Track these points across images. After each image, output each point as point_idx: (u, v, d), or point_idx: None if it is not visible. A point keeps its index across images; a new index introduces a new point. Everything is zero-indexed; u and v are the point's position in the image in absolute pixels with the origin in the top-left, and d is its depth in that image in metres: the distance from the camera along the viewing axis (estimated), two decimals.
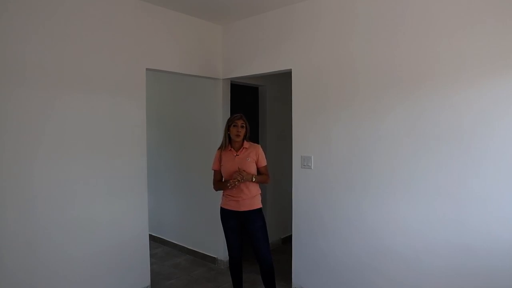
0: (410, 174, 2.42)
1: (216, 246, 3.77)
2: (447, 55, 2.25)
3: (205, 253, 3.89)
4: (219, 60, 3.63)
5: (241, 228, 2.72)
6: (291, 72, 3.06)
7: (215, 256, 3.79)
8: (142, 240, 3.04)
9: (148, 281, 3.09)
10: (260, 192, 2.74)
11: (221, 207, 2.77)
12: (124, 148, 2.87)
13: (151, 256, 3.26)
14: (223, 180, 2.74)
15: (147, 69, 3.01)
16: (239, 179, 2.54)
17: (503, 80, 2.06)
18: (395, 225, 2.50)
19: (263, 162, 2.74)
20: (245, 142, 2.72)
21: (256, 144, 2.78)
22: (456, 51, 2.22)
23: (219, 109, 3.65)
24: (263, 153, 2.75)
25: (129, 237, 2.92)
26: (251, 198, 2.65)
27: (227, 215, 2.73)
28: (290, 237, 3.20)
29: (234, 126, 2.67)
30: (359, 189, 2.67)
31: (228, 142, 2.72)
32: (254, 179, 2.61)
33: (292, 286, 3.09)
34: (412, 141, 2.40)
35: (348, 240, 2.74)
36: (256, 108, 4.37)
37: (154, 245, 4.25)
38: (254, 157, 2.68)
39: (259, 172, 2.74)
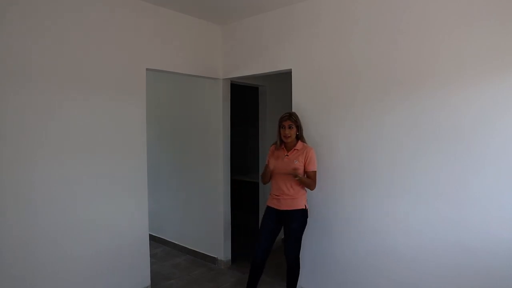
0: (410, 174, 2.42)
1: (216, 246, 3.77)
2: (447, 55, 2.25)
3: (205, 253, 3.89)
4: (219, 60, 3.63)
5: (280, 228, 2.71)
6: (291, 72, 3.07)
7: (215, 256, 3.78)
8: (142, 240, 3.04)
9: (148, 281, 3.09)
10: (305, 193, 2.70)
11: (266, 205, 2.79)
12: (124, 148, 2.86)
13: (151, 256, 3.26)
14: (270, 174, 2.72)
15: (147, 69, 3.01)
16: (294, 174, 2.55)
17: (503, 79, 2.06)
18: (396, 225, 2.50)
19: (312, 167, 2.65)
20: (299, 142, 2.69)
21: (309, 147, 2.70)
22: (456, 51, 2.22)
23: (219, 109, 3.65)
24: (314, 157, 2.66)
25: (129, 237, 2.92)
26: (292, 198, 2.64)
27: (267, 213, 2.75)
28: None
29: (282, 128, 2.66)
30: (359, 189, 2.67)
31: (281, 141, 2.71)
32: (297, 177, 2.54)
33: None
34: (413, 141, 2.40)
35: (349, 240, 2.74)
36: (256, 108, 4.38)
37: (154, 245, 4.25)
38: (302, 160, 2.63)
39: (307, 175, 2.68)
